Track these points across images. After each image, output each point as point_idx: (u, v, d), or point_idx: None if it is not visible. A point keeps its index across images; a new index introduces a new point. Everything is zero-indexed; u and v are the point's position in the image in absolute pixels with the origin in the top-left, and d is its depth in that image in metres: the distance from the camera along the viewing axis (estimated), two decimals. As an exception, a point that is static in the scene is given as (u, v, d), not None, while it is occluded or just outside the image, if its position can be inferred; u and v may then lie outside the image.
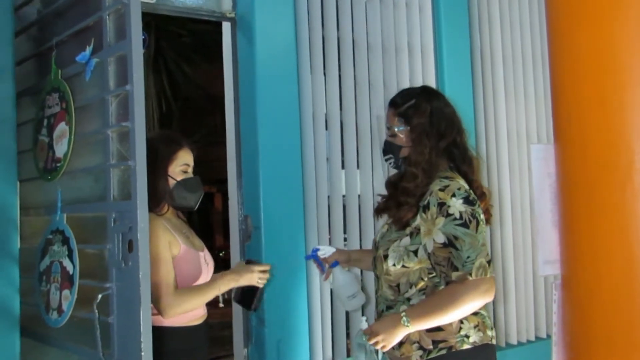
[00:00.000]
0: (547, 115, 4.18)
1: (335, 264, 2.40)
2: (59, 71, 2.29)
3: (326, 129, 3.28)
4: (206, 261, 2.38)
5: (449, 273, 2.02)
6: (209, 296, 2.27)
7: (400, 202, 2.14)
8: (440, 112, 2.19)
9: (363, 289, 2.75)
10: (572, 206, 1.99)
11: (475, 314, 2.10)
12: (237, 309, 3.03)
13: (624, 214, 1.87)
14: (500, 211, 3.94)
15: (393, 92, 3.45)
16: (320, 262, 2.43)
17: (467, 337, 2.08)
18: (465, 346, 2.07)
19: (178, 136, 2.44)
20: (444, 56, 3.68)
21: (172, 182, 2.31)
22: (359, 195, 3.36)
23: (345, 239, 3.31)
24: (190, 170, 2.37)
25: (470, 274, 1.98)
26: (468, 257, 1.99)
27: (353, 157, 3.36)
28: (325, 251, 2.44)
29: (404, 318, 2.01)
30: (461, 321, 2.08)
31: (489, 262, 2.02)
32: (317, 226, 3.15)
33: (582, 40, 1.96)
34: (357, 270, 2.58)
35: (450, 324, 2.06)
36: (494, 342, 2.14)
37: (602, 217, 1.90)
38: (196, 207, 2.39)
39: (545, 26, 2.29)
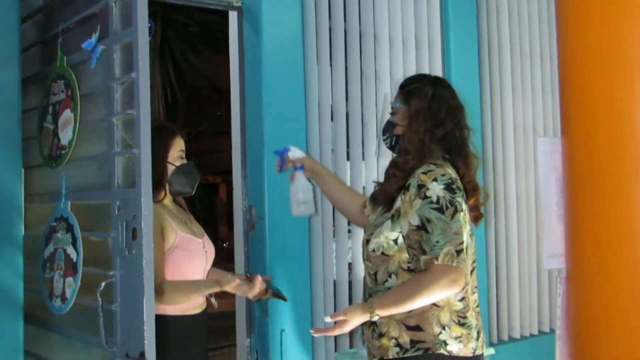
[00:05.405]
0: (554, 108, 4.17)
1: (300, 167, 2.39)
2: (65, 58, 2.29)
3: (332, 120, 3.27)
4: (205, 248, 2.39)
5: (418, 256, 1.99)
6: (199, 294, 2.30)
7: (389, 174, 2.14)
8: (442, 100, 2.15)
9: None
10: (578, 200, 1.98)
11: (462, 324, 2.04)
12: (240, 299, 3.04)
13: (631, 208, 1.85)
14: (505, 205, 3.94)
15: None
16: (283, 161, 2.41)
17: (445, 343, 2.02)
18: (442, 351, 2.01)
19: (172, 124, 2.52)
20: (451, 48, 3.67)
21: (171, 169, 2.32)
22: (363, 187, 3.36)
23: (349, 230, 3.32)
24: (184, 156, 2.39)
25: (437, 259, 1.94)
26: (437, 241, 1.95)
27: (358, 148, 3.36)
28: (296, 154, 2.41)
29: (371, 310, 1.98)
30: (443, 327, 2.02)
31: (458, 251, 1.96)
32: (321, 217, 3.15)
33: (592, 33, 1.94)
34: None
35: (431, 326, 2.01)
36: (478, 353, 2.07)
37: (608, 211, 1.89)
38: (193, 192, 2.39)
39: (553, 19, 2.27)
